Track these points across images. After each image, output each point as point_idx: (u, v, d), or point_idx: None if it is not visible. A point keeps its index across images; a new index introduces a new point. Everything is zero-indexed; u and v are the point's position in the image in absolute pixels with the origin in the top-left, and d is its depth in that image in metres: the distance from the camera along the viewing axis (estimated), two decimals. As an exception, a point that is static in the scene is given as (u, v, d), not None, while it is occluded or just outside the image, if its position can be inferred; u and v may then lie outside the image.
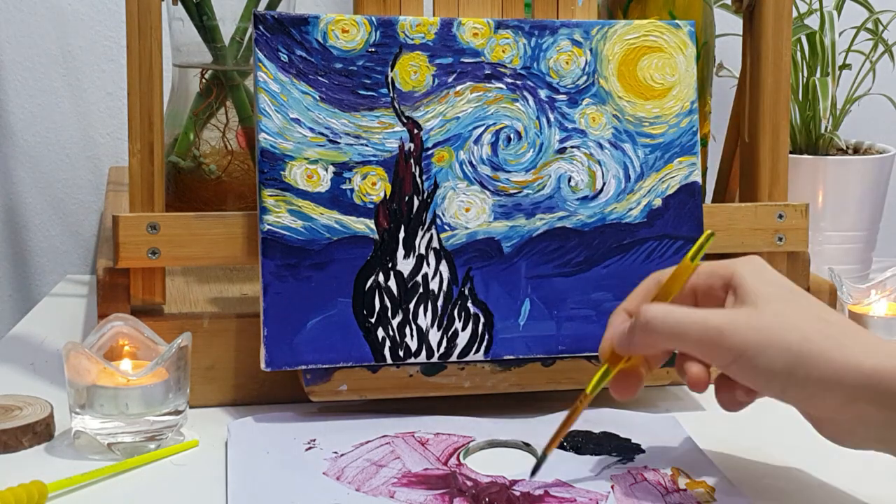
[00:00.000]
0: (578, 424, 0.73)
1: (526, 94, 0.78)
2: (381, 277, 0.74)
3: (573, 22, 0.79)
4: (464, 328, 0.75)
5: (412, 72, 0.76)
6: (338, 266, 0.74)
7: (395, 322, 0.75)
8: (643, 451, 0.70)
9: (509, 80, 0.77)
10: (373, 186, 0.75)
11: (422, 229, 0.75)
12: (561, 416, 0.75)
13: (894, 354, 0.58)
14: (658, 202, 0.79)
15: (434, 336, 0.75)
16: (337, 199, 0.74)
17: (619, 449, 0.70)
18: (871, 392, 0.57)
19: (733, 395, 0.63)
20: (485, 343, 0.76)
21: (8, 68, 1.19)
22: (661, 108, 0.80)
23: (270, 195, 0.74)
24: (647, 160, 0.79)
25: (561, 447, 0.70)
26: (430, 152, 0.76)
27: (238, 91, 0.92)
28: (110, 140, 1.22)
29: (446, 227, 0.76)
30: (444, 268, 0.75)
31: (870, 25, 1.13)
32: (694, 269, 0.65)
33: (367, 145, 0.75)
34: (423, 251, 0.75)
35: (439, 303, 0.75)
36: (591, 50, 0.79)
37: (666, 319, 0.62)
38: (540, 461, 0.65)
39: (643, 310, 0.63)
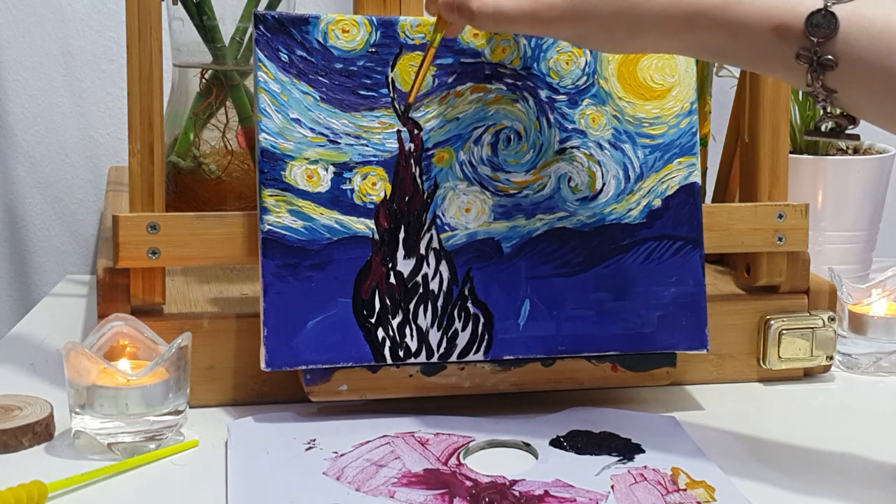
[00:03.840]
0: (578, 424, 0.73)
1: (526, 94, 0.78)
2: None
3: (573, 22, 0.79)
4: (464, 328, 0.75)
5: (412, 72, 0.76)
6: (338, 266, 0.74)
7: (395, 322, 0.75)
8: (643, 451, 0.70)
9: (509, 81, 0.77)
10: (373, 186, 0.75)
11: (421, 230, 0.75)
12: (560, 415, 0.75)
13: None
14: (658, 203, 0.79)
15: (434, 336, 0.75)
16: (337, 199, 0.74)
17: (619, 449, 0.70)
18: (693, 29, 0.64)
19: None
20: (485, 343, 0.76)
21: (8, 68, 1.20)
22: (661, 108, 0.80)
23: (270, 195, 0.74)
24: (646, 161, 0.79)
25: (561, 447, 0.70)
26: (430, 152, 0.76)
27: (238, 91, 0.92)
28: (110, 140, 1.22)
29: (446, 227, 0.76)
30: (444, 268, 0.75)
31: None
32: None
33: (367, 145, 0.75)
34: (422, 251, 0.75)
35: (439, 303, 0.75)
36: (590, 51, 0.79)
37: (496, 18, 0.68)
38: (407, 109, 0.74)
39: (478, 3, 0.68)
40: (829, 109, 0.64)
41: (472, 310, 0.75)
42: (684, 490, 0.64)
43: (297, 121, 0.74)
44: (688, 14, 0.64)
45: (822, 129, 0.65)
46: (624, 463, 0.68)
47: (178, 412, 0.71)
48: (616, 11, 0.65)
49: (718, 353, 0.84)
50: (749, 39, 0.63)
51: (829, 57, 0.61)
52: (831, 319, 0.85)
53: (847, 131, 0.64)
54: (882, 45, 0.60)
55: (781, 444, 0.72)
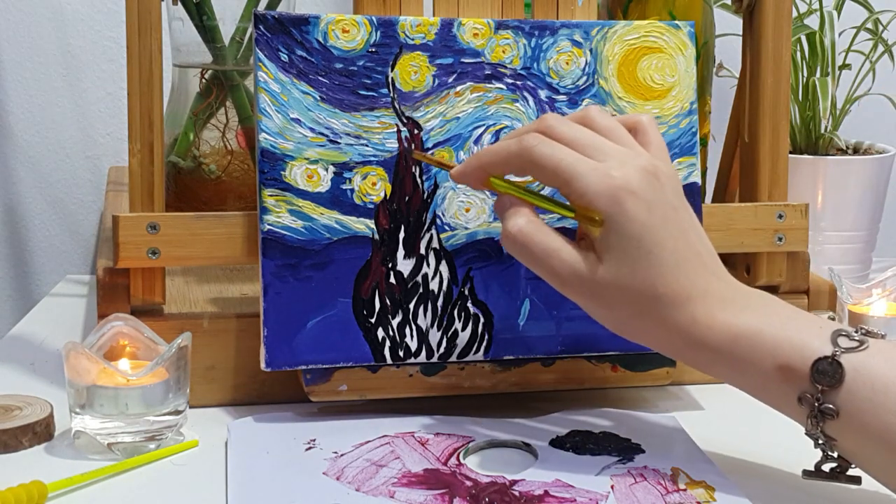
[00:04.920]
0: (578, 424, 0.73)
1: (526, 94, 0.78)
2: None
3: (573, 22, 0.79)
4: (464, 328, 0.75)
5: (412, 72, 0.76)
6: (338, 266, 0.74)
7: (395, 322, 0.75)
8: (643, 451, 0.70)
9: (509, 81, 0.78)
10: (373, 186, 0.75)
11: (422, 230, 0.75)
12: (560, 415, 0.75)
13: (711, 339, 0.63)
14: (658, 202, 0.79)
15: (434, 336, 0.75)
16: (337, 199, 0.74)
17: (619, 449, 0.70)
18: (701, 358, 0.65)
19: None
20: (485, 343, 0.76)
21: (8, 68, 1.19)
22: (661, 108, 0.80)
23: (270, 195, 0.74)
24: (647, 160, 0.79)
25: (561, 447, 0.70)
26: (430, 152, 0.76)
27: (238, 91, 0.92)
28: (110, 140, 1.22)
29: (446, 227, 0.76)
30: (444, 268, 0.75)
31: (870, 25, 1.13)
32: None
33: (367, 145, 0.75)
34: (422, 251, 0.75)
35: (439, 303, 0.75)
36: (591, 50, 0.79)
37: (522, 250, 0.66)
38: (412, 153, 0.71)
39: (512, 223, 0.66)
40: (828, 453, 0.63)
41: (472, 310, 0.75)
42: (684, 490, 0.64)
43: (297, 121, 0.74)
44: (685, 355, 0.65)
45: (824, 469, 0.64)
46: (624, 463, 0.68)
47: (178, 412, 0.71)
48: (613, 327, 0.66)
49: (718, 353, 0.84)
50: (754, 375, 0.63)
51: (831, 406, 0.61)
52: (831, 319, 0.85)
53: (849, 472, 0.63)
54: (884, 401, 0.60)
55: (782, 444, 0.72)
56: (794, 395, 0.62)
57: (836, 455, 0.63)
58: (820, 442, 0.62)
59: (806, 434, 0.63)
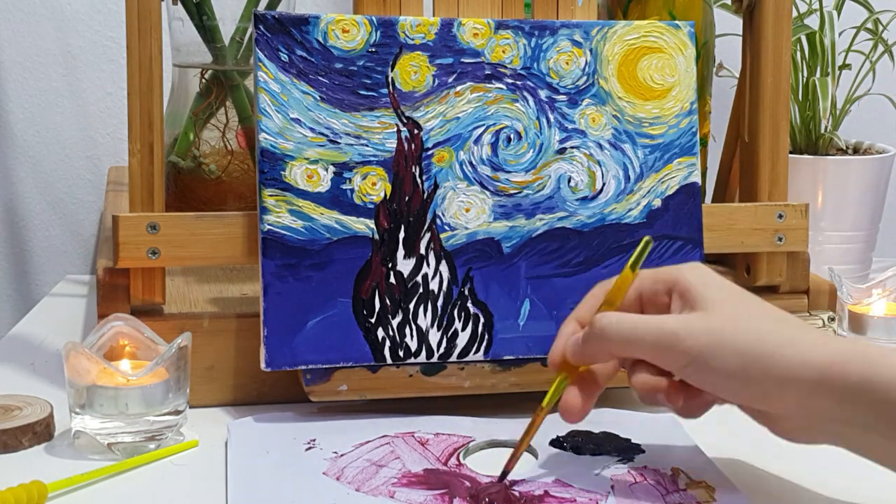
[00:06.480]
0: (579, 424, 0.73)
1: (526, 94, 0.78)
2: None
3: (573, 22, 0.79)
4: (464, 328, 0.75)
5: (412, 72, 0.76)
6: (338, 266, 0.74)
7: (395, 322, 0.75)
8: (643, 451, 0.70)
9: (509, 81, 0.78)
10: (373, 186, 0.75)
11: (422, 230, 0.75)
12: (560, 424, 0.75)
13: (846, 349, 0.58)
14: (657, 203, 0.79)
15: (434, 336, 0.75)
16: (337, 199, 0.74)
17: (619, 449, 0.70)
18: (826, 386, 0.57)
19: (691, 403, 0.63)
20: (485, 343, 0.76)
21: (8, 68, 1.19)
22: (661, 108, 0.80)
23: (271, 195, 0.74)
24: (646, 161, 0.79)
25: (561, 447, 0.70)
26: (430, 152, 0.76)
27: (238, 91, 0.92)
28: (110, 140, 1.22)
29: (446, 227, 0.76)
30: (444, 268, 0.75)
31: (870, 25, 1.13)
32: (634, 277, 0.65)
33: (367, 145, 0.75)
34: (422, 251, 0.75)
35: (439, 303, 0.75)
36: (590, 50, 0.79)
37: (620, 325, 0.62)
38: (503, 475, 0.65)
39: (597, 317, 0.63)
40: None
41: (472, 310, 0.75)
42: (684, 490, 0.64)
43: (297, 121, 0.74)
44: (820, 370, 0.58)
45: None
46: (624, 463, 0.68)
47: (178, 412, 0.71)
48: (742, 368, 0.59)
49: (718, 353, 0.84)
50: None
51: None
52: (831, 319, 0.85)
53: None
54: None
55: (782, 444, 0.72)
56: None
57: None
58: None
59: None
